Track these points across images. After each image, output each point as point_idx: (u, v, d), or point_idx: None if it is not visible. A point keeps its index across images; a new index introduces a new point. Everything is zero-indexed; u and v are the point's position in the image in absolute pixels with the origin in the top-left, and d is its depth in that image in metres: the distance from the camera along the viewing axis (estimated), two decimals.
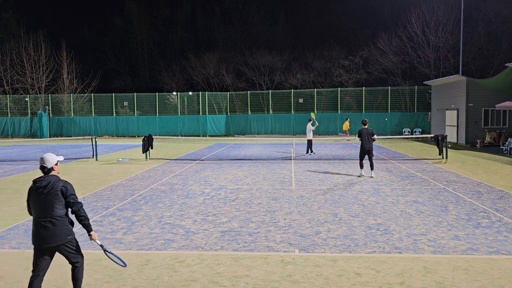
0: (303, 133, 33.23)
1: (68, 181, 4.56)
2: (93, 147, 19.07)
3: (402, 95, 32.76)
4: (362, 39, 48.92)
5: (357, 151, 20.86)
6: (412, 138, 29.19)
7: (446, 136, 17.27)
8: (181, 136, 33.77)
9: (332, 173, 13.62)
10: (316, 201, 9.56)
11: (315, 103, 34.06)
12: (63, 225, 4.41)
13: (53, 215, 4.36)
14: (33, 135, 35.15)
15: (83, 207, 4.57)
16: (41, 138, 33.37)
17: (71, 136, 34.27)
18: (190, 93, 37.73)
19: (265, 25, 58.27)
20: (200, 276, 5.37)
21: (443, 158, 17.01)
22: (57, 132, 35.45)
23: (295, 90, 35.42)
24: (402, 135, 30.35)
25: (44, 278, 4.66)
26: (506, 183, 11.58)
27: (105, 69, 55.19)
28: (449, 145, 21.83)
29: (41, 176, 4.46)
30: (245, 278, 5.28)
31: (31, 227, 4.48)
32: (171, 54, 59.09)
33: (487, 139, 22.73)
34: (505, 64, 19.15)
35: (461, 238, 6.75)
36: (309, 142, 19.55)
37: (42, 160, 4.49)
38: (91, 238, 4.59)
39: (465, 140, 23.91)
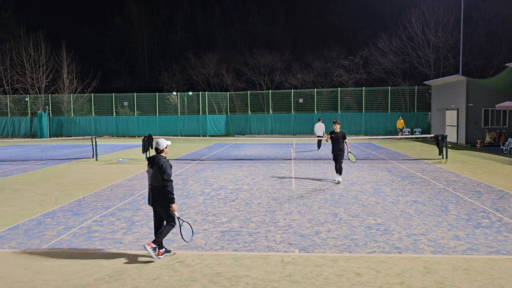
0: (303, 133, 33.34)
1: (169, 162, 6.04)
2: (93, 147, 19.07)
3: (402, 95, 32.76)
4: (362, 39, 48.94)
5: (356, 151, 20.86)
6: (412, 138, 29.19)
7: (446, 136, 17.27)
8: (181, 136, 33.77)
9: (332, 173, 13.61)
10: (316, 201, 9.56)
11: (315, 103, 34.06)
12: (163, 192, 5.93)
13: (157, 184, 5.96)
14: (33, 135, 35.14)
15: (172, 184, 5.96)
16: (41, 138, 33.37)
17: (71, 136, 34.26)
18: (190, 93, 37.72)
19: (265, 25, 58.26)
20: (200, 276, 5.36)
21: (443, 158, 17.01)
22: (57, 132, 35.45)
23: (295, 90, 35.41)
24: (402, 134, 30.33)
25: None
26: (506, 183, 11.58)
27: (105, 69, 55.21)
28: (449, 145, 21.83)
29: (154, 155, 6.09)
30: (245, 278, 5.28)
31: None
32: (171, 54, 59.11)
33: (487, 139, 22.73)
34: (505, 64, 19.15)
35: (461, 238, 6.75)
36: (319, 140, 21.59)
37: (157, 143, 6.14)
38: (170, 209, 5.98)
39: (465, 140, 23.91)
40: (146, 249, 5.89)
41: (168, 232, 6.05)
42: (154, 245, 5.91)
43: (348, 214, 8.30)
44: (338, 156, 11.79)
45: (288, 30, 58.99)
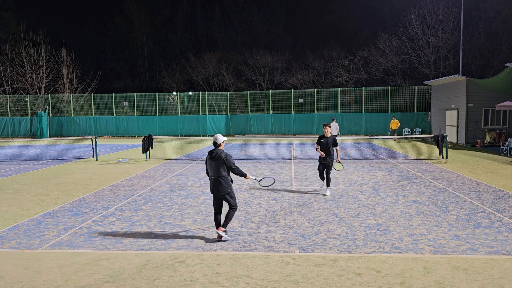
0: (303, 133, 33.41)
1: (229, 153, 6.80)
2: (93, 147, 19.08)
3: (402, 95, 32.75)
4: (362, 39, 48.93)
5: (356, 151, 20.86)
6: (412, 138, 29.18)
7: (446, 136, 17.27)
8: (181, 136, 33.76)
9: (332, 173, 13.59)
10: (316, 201, 9.56)
11: (315, 103, 34.05)
12: (226, 181, 6.76)
13: (220, 175, 6.72)
14: (33, 135, 35.13)
15: (239, 168, 6.86)
16: (41, 138, 33.36)
17: (71, 136, 34.25)
18: (190, 93, 37.71)
19: (265, 25, 58.26)
20: (200, 276, 5.36)
21: (443, 158, 17.00)
22: (57, 132, 35.44)
23: (295, 90, 35.39)
24: (402, 135, 30.33)
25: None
26: (506, 183, 11.58)
27: (105, 69, 55.23)
28: (449, 145, 21.82)
29: (213, 149, 6.83)
30: (245, 278, 5.28)
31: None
32: (171, 54, 59.11)
33: (487, 139, 22.73)
34: (505, 64, 19.15)
35: (461, 238, 6.75)
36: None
37: (215, 138, 6.90)
38: (246, 178, 7.03)
39: (465, 140, 23.91)
40: (219, 233, 6.70)
41: (233, 215, 6.87)
42: (224, 229, 6.76)
43: (348, 214, 8.30)
44: (326, 165, 10.14)
45: (288, 30, 59.01)
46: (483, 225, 7.44)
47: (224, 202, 6.89)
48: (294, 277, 5.27)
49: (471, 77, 28.02)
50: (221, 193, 6.74)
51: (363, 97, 33.03)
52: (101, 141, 30.04)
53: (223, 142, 6.92)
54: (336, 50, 44.27)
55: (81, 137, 21.84)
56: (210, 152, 6.82)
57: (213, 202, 6.90)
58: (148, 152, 18.28)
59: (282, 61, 44.98)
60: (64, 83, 38.21)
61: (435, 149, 20.02)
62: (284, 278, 5.25)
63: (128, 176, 13.70)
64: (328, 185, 10.25)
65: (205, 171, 7.06)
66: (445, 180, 12.15)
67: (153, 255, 6.15)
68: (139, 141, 27.20)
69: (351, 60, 41.12)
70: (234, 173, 6.83)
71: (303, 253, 6.12)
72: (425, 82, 30.29)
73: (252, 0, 58.42)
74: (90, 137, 19.86)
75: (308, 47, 50.97)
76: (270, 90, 35.82)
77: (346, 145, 24.57)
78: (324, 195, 10.10)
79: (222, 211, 6.99)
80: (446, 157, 16.83)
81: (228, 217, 6.79)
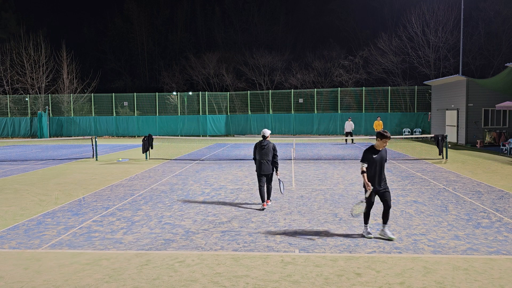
0: (303, 133, 33.46)
1: (275, 144, 8.90)
2: (93, 147, 19.08)
3: (402, 95, 32.75)
4: (362, 39, 48.93)
5: (356, 151, 20.79)
6: (412, 138, 29.18)
7: (446, 136, 17.26)
8: (181, 136, 33.76)
9: (332, 173, 13.61)
10: (316, 201, 9.56)
11: (315, 103, 34.06)
12: (270, 165, 8.78)
13: (268, 159, 8.74)
14: (33, 135, 35.14)
15: (278, 158, 8.91)
16: (41, 138, 33.36)
17: (71, 136, 34.25)
18: (190, 93, 37.71)
19: (265, 25, 58.27)
20: (200, 276, 5.36)
21: (443, 158, 17.00)
22: (57, 132, 35.45)
23: (295, 90, 35.40)
24: (402, 135, 30.33)
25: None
26: (506, 183, 11.58)
27: (105, 69, 55.23)
28: (449, 145, 21.82)
29: (263, 140, 8.84)
30: (245, 278, 5.27)
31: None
32: (171, 54, 59.11)
33: (487, 139, 22.73)
34: (505, 64, 19.15)
35: (461, 238, 6.74)
36: (351, 134, 25.58)
37: (263, 132, 8.88)
38: (276, 173, 8.93)
39: (465, 140, 23.90)
40: (266, 207, 8.82)
41: (271, 188, 9.04)
42: (269, 200, 9.05)
43: (348, 214, 8.29)
44: (382, 193, 6.67)
45: (288, 30, 59.02)
46: (483, 225, 7.44)
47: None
48: (294, 277, 5.27)
49: (471, 77, 28.01)
50: (266, 172, 8.74)
51: (363, 97, 33.04)
52: (101, 141, 30.04)
53: (269, 135, 8.91)
54: (336, 50, 44.29)
55: (81, 137, 21.85)
56: (261, 142, 8.83)
57: (259, 180, 8.83)
58: (148, 152, 18.28)
59: (282, 61, 44.99)
60: (64, 83, 38.21)
61: (435, 149, 20.02)
62: (284, 278, 5.25)
63: (128, 176, 13.70)
64: (385, 221, 6.75)
65: (252, 156, 9.05)
66: (445, 180, 12.15)
67: (153, 255, 6.14)
68: (139, 141, 27.20)
69: (351, 60, 41.12)
70: (274, 159, 8.73)
71: (303, 253, 6.12)
72: (425, 82, 30.29)
73: (252, 0, 58.45)
74: (90, 137, 19.86)
75: (308, 47, 51.03)
76: (270, 90, 35.83)
77: (346, 145, 24.57)
78: (390, 238, 6.62)
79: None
80: (446, 157, 16.83)
81: (269, 191, 8.94)
